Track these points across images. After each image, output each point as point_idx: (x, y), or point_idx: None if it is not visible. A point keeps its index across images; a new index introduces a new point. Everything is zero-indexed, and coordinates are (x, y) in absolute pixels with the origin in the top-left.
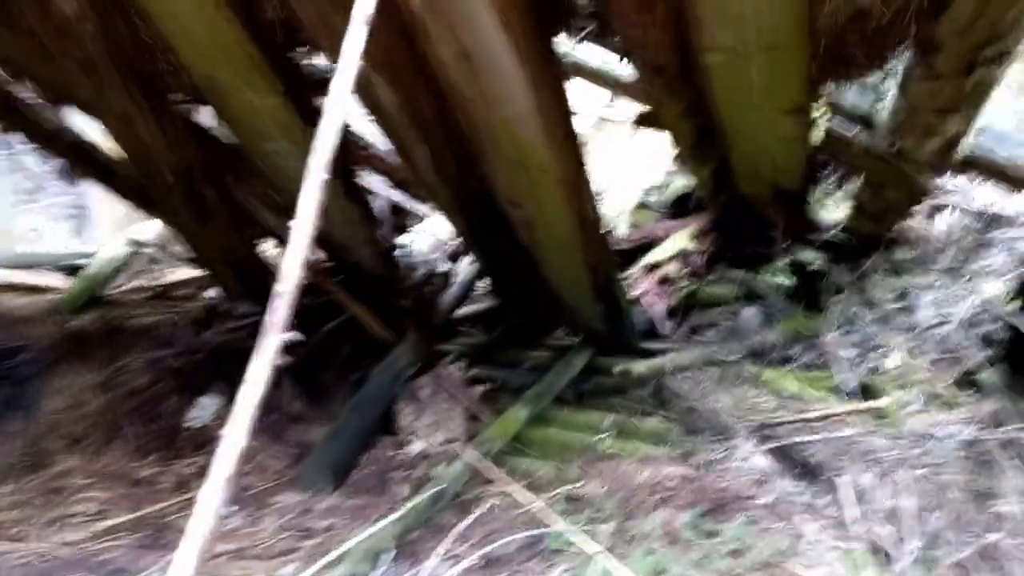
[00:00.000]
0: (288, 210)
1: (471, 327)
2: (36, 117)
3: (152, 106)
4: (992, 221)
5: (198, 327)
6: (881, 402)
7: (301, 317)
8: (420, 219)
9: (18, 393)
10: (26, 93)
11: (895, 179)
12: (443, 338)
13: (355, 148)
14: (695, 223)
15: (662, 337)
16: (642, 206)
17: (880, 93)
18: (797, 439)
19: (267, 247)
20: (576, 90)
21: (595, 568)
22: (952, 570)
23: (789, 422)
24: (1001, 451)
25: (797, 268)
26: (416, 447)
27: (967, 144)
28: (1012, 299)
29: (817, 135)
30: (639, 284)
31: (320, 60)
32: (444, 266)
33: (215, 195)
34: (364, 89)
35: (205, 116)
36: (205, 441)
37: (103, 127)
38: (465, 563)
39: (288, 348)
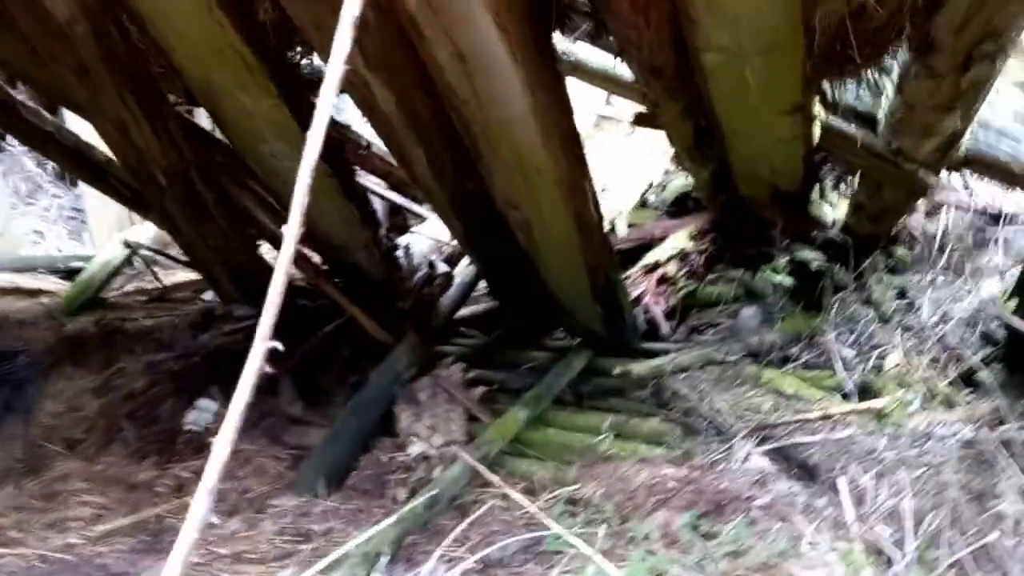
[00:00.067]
0: (284, 213)
1: (470, 329)
2: (32, 120)
3: (145, 110)
4: (991, 219)
5: (196, 330)
6: (880, 402)
7: (300, 319)
8: (419, 220)
9: (16, 396)
10: (22, 96)
11: (894, 178)
12: (442, 340)
13: (354, 150)
14: (694, 223)
15: (661, 338)
16: (641, 206)
17: (878, 92)
18: (796, 439)
19: (265, 249)
20: (574, 90)
21: (594, 570)
22: (951, 570)
23: (788, 422)
24: (1000, 450)
25: (796, 267)
26: (415, 449)
27: (966, 142)
28: (1011, 297)
29: (815, 135)
30: (638, 284)
31: (315, 62)
32: (443, 268)
33: (212, 198)
34: (360, 90)
35: (203, 118)
36: (203, 444)
37: (97, 130)
38: (463, 565)
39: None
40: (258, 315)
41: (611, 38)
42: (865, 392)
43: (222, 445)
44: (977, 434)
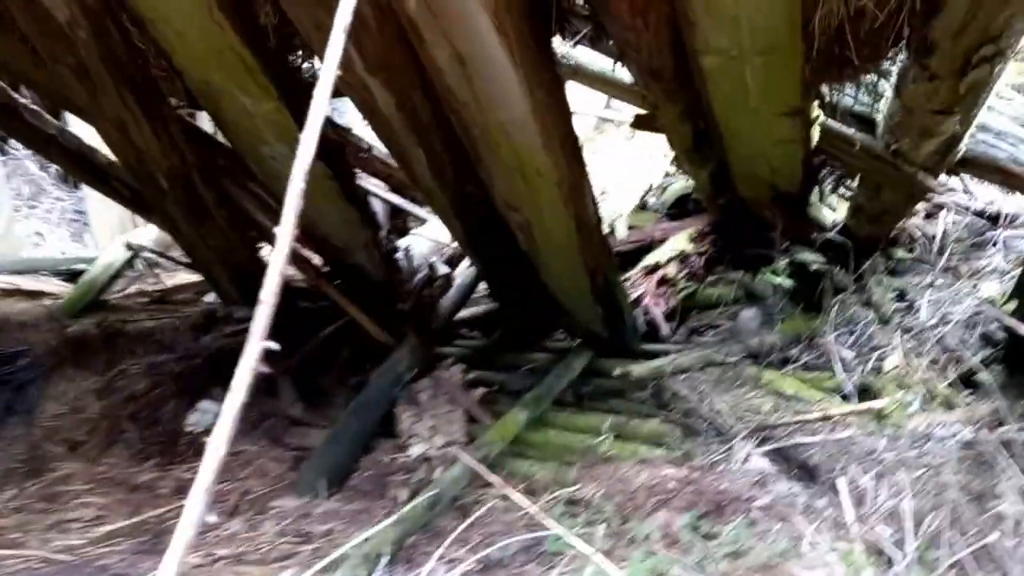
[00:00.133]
0: None
1: (471, 330)
2: (35, 123)
3: (146, 110)
4: (990, 221)
5: (197, 332)
6: (880, 403)
7: (300, 321)
8: (419, 222)
9: (18, 398)
10: (25, 99)
11: (893, 180)
12: (443, 341)
13: (354, 152)
14: (694, 225)
15: (661, 339)
16: (641, 208)
17: (877, 94)
18: (796, 440)
19: (266, 251)
20: (574, 94)
21: (594, 571)
22: (952, 570)
23: (788, 423)
24: (1000, 451)
25: (796, 269)
26: (416, 450)
27: (965, 144)
28: (1010, 299)
29: (814, 137)
30: (638, 286)
31: (316, 65)
32: (443, 269)
33: (212, 199)
34: (360, 93)
35: (205, 121)
36: (205, 446)
37: (98, 132)
38: (464, 566)
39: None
40: None
41: (610, 41)
42: (865, 393)
43: (217, 445)
44: (977, 435)
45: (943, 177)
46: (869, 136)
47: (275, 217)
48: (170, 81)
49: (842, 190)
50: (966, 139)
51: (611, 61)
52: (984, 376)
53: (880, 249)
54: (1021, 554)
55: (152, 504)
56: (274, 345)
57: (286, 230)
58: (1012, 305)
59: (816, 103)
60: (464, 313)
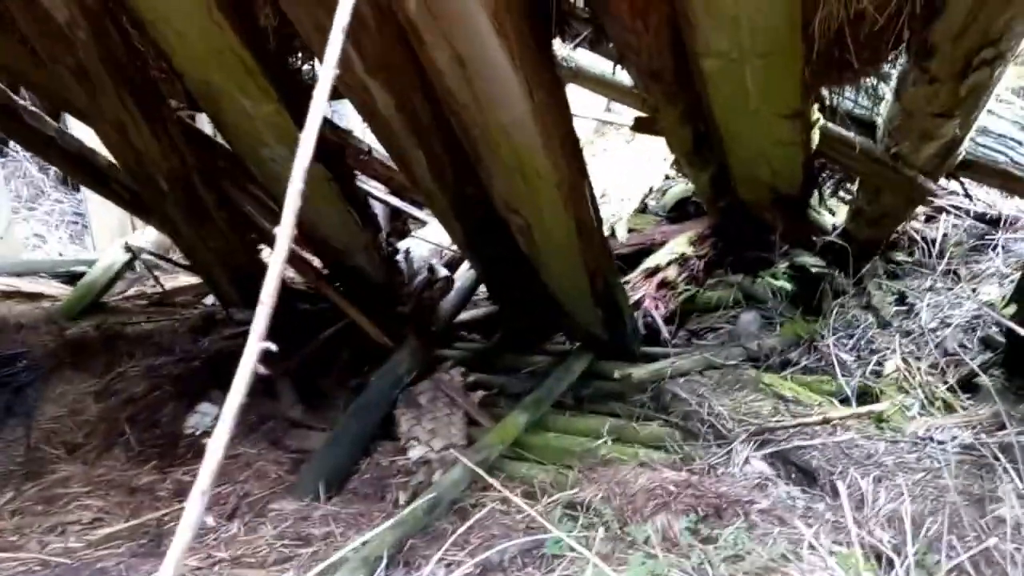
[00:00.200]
0: None
1: (470, 333)
2: (35, 125)
3: (145, 113)
4: (990, 224)
5: (196, 334)
6: (880, 406)
7: (300, 323)
8: (419, 224)
9: (16, 400)
10: (25, 101)
11: (893, 183)
12: (442, 344)
13: (354, 154)
14: (694, 228)
15: (661, 342)
16: (641, 211)
17: (877, 97)
18: (796, 443)
19: (266, 253)
20: (574, 95)
21: (593, 574)
22: (951, 574)
23: (788, 426)
24: (1000, 455)
25: (796, 272)
26: (415, 453)
27: (965, 148)
28: (1009, 303)
29: (814, 140)
30: (638, 289)
31: (316, 66)
32: (443, 272)
33: (212, 201)
34: (360, 94)
35: (205, 123)
36: (204, 448)
37: (97, 133)
38: (463, 569)
39: (286, 355)
40: None
41: (610, 44)
42: (864, 397)
43: (216, 447)
44: (976, 439)
45: (943, 181)
46: (869, 139)
47: (275, 219)
48: (170, 83)
49: (842, 193)
50: (966, 143)
51: (611, 63)
52: (984, 380)
53: (880, 252)
54: (1021, 558)
55: (151, 507)
56: (273, 347)
57: (285, 232)
58: (1012, 309)
59: (816, 106)
60: (464, 315)
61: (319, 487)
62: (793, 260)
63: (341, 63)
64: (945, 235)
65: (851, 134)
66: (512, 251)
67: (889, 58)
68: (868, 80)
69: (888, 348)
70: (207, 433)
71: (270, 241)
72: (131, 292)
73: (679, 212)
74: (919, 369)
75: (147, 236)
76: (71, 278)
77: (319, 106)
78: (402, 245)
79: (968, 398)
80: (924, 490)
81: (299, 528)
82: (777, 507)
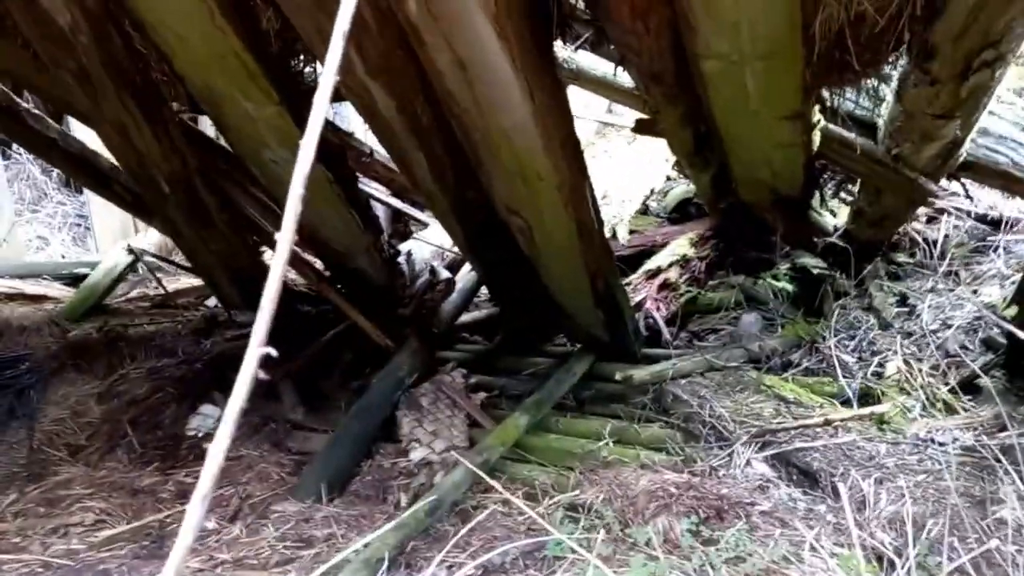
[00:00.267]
0: None
1: (472, 335)
2: (37, 127)
3: (147, 115)
4: (992, 226)
5: (199, 336)
6: (881, 408)
7: (302, 325)
8: (421, 226)
9: (19, 402)
10: (28, 104)
11: (894, 185)
12: (444, 346)
13: (356, 157)
14: (695, 229)
15: (663, 343)
16: (642, 213)
17: (878, 99)
18: (797, 445)
19: (268, 255)
20: (575, 97)
21: (594, 575)
22: None
23: (789, 428)
24: (1001, 457)
25: (797, 274)
26: (417, 454)
27: (966, 149)
28: (1011, 304)
29: (815, 141)
30: (639, 290)
31: (317, 69)
32: (445, 274)
33: (214, 203)
34: (362, 97)
35: (207, 125)
36: (206, 450)
37: (99, 136)
38: (464, 571)
39: (288, 357)
40: None
41: (611, 46)
42: (866, 398)
43: (217, 450)
44: (977, 440)
45: (944, 182)
46: (870, 140)
47: (276, 221)
48: (171, 85)
49: (843, 195)
50: (967, 143)
51: (612, 65)
52: (985, 381)
53: (881, 254)
54: (1022, 560)
55: (153, 508)
56: (273, 352)
57: (286, 235)
58: (1013, 310)
59: (817, 107)
60: (465, 317)
61: (321, 489)
62: (794, 261)
63: (342, 65)
64: (946, 236)
65: (852, 135)
66: (513, 253)
67: (890, 59)
68: (869, 81)
69: (889, 349)
70: (209, 435)
71: (272, 243)
72: (133, 294)
73: (680, 213)
74: (920, 371)
75: (149, 238)
76: (73, 280)
77: (320, 110)
78: (404, 247)
79: (969, 400)
80: (925, 492)
81: (301, 530)
82: (778, 509)
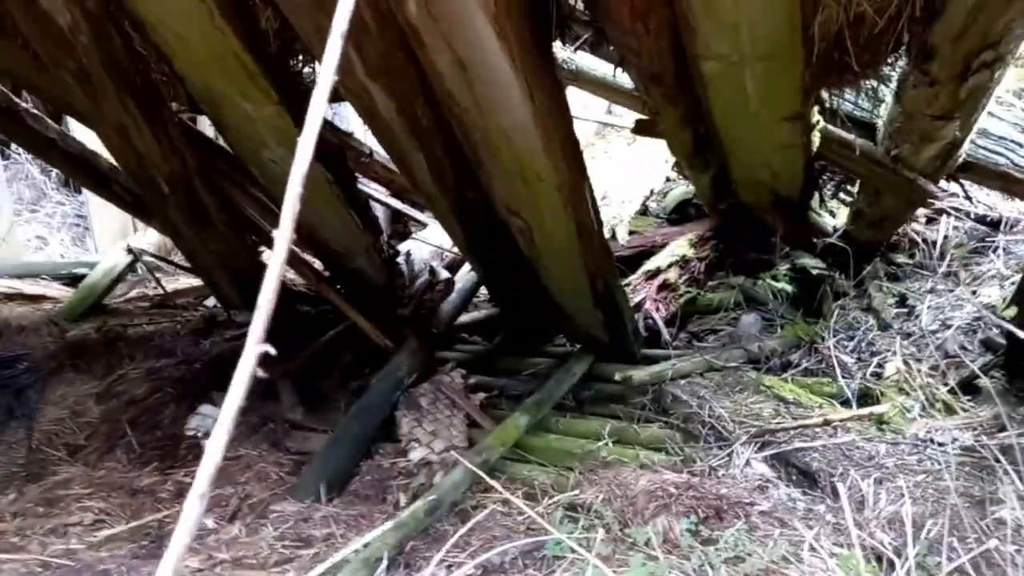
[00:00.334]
0: None
1: (471, 335)
2: (37, 127)
3: (147, 116)
4: (991, 227)
5: (198, 336)
6: (880, 408)
7: (301, 325)
8: (420, 227)
9: (18, 402)
10: (26, 103)
11: (893, 185)
12: (443, 346)
13: (355, 157)
14: (695, 230)
15: (662, 344)
16: (642, 213)
17: (877, 100)
18: (796, 445)
19: (267, 255)
20: (575, 98)
21: (593, 575)
22: None
23: (788, 428)
24: (1001, 457)
25: (797, 274)
26: (416, 455)
27: (965, 150)
28: (1010, 305)
29: (815, 142)
30: (639, 291)
31: (316, 69)
32: (444, 274)
33: (213, 204)
34: (361, 97)
35: (206, 125)
36: (205, 450)
37: (99, 136)
38: (463, 570)
39: (287, 357)
40: None
41: (611, 47)
42: (865, 398)
43: (215, 447)
44: (977, 441)
45: (943, 183)
46: (869, 142)
47: (276, 221)
48: (171, 86)
49: (842, 195)
50: (966, 145)
51: (612, 66)
52: (984, 382)
53: (880, 254)
54: (1021, 560)
55: (152, 508)
56: (271, 349)
57: (284, 233)
58: (1012, 311)
59: (816, 108)
60: (465, 318)
61: (320, 489)
62: (794, 262)
63: (342, 66)
64: (946, 237)
65: (851, 136)
66: (513, 253)
67: (889, 60)
68: (868, 83)
69: (889, 350)
70: (208, 435)
71: (271, 243)
72: (132, 294)
73: (680, 214)
74: (920, 371)
75: (148, 238)
76: (72, 280)
77: (319, 107)
78: (403, 247)
79: (969, 400)
80: (925, 492)
81: (300, 530)
82: (778, 509)
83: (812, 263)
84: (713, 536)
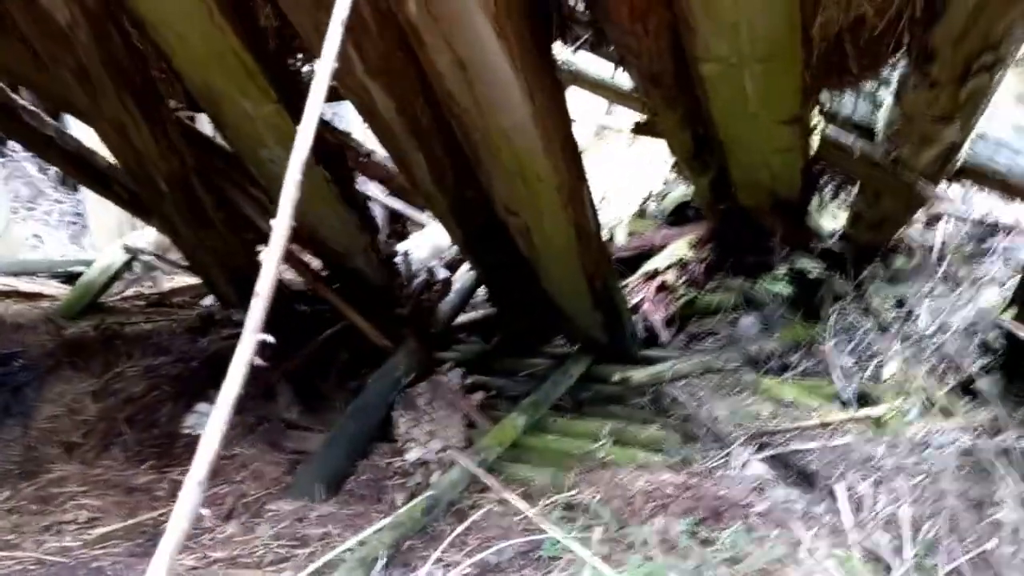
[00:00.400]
0: None
1: (469, 335)
2: (34, 124)
3: (145, 114)
4: (990, 230)
5: (195, 335)
6: (879, 410)
7: (299, 324)
8: (419, 227)
9: (14, 400)
10: (25, 101)
11: (892, 188)
12: (441, 346)
13: (354, 156)
14: (694, 232)
15: (661, 345)
16: (641, 214)
17: (877, 102)
18: (795, 447)
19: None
20: (574, 98)
21: (591, 575)
22: None
23: (787, 430)
24: (998, 459)
25: (795, 277)
26: (413, 454)
27: (964, 153)
28: (1009, 307)
29: (814, 144)
30: (638, 292)
31: (316, 67)
32: (443, 274)
33: (211, 202)
34: (361, 96)
35: (205, 124)
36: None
37: (97, 133)
38: (460, 570)
39: (284, 356)
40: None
41: (611, 47)
42: (863, 400)
43: (212, 435)
44: (975, 443)
45: (942, 185)
46: (869, 144)
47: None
48: (170, 83)
49: (842, 198)
50: (966, 147)
51: (611, 67)
52: (982, 384)
53: (879, 257)
54: (1019, 561)
55: (148, 507)
56: (270, 338)
57: (282, 222)
58: (1011, 313)
59: (816, 110)
60: (463, 318)
61: (316, 488)
62: (793, 264)
63: (342, 65)
64: (944, 240)
65: (851, 139)
66: (511, 254)
67: (889, 62)
68: (868, 84)
69: (887, 352)
70: None
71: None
72: (129, 292)
73: (679, 216)
74: (918, 373)
75: (146, 237)
76: (69, 278)
77: (318, 98)
78: (401, 247)
79: (967, 402)
80: (923, 494)
81: (296, 529)
82: (776, 510)
83: (811, 265)
84: (711, 537)
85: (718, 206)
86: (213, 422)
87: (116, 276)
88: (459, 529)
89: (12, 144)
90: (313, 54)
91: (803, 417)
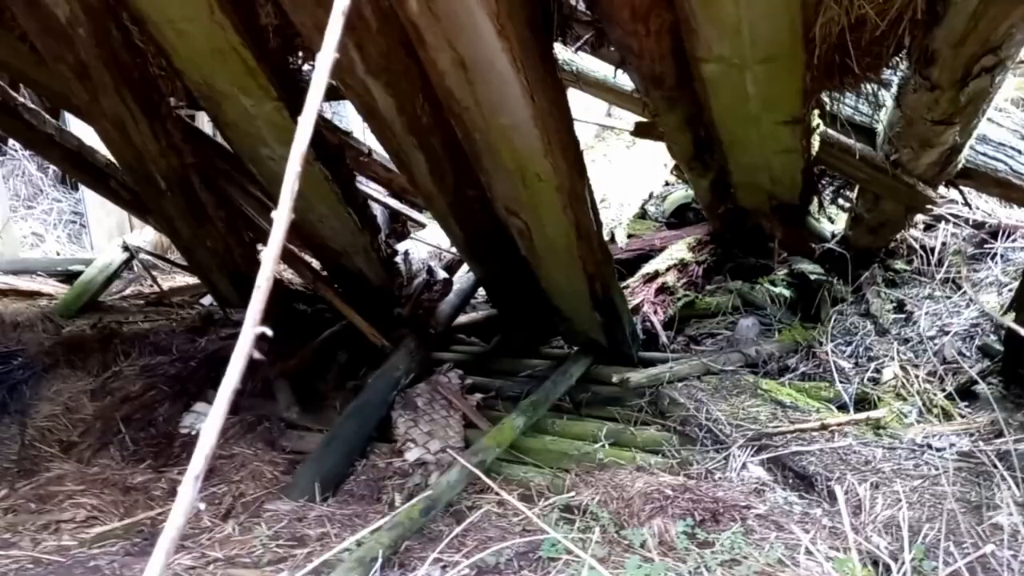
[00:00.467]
0: None
1: (469, 336)
2: (34, 123)
3: (145, 111)
4: (989, 233)
5: (193, 334)
6: (878, 412)
7: (298, 324)
8: (419, 227)
9: (12, 398)
10: (23, 98)
11: (892, 191)
12: (440, 346)
13: (354, 156)
14: (693, 234)
15: (660, 347)
16: (641, 216)
17: (877, 105)
18: (793, 449)
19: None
20: (575, 100)
21: None
22: None
23: (785, 432)
24: (997, 462)
25: (795, 279)
26: (412, 455)
27: (964, 156)
28: (1008, 311)
29: (814, 147)
30: (637, 294)
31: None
32: (442, 274)
33: (211, 201)
34: (361, 96)
35: (205, 122)
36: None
37: (97, 131)
38: (458, 570)
39: (283, 356)
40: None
41: (612, 48)
42: (862, 403)
43: (210, 429)
44: (974, 446)
45: (942, 189)
46: (869, 146)
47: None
48: (170, 81)
49: (841, 201)
50: (965, 150)
51: (612, 68)
52: (981, 387)
53: (879, 260)
54: (1017, 565)
55: (145, 506)
56: (268, 331)
57: (282, 214)
58: (1010, 316)
59: (816, 113)
60: (462, 319)
61: (315, 488)
62: (792, 267)
63: (342, 64)
64: (944, 243)
65: (851, 141)
66: (511, 254)
67: (890, 64)
68: (868, 87)
69: (886, 355)
70: None
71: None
72: (128, 291)
73: (679, 218)
74: (917, 376)
75: (145, 236)
76: (68, 277)
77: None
78: (401, 247)
79: (966, 405)
80: (922, 496)
81: (294, 529)
82: (774, 512)
83: (810, 268)
84: (709, 539)
85: (718, 208)
86: (212, 415)
87: (115, 275)
88: (457, 530)
89: (12, 142)
90: (314, 52)
91: (802, 419)
